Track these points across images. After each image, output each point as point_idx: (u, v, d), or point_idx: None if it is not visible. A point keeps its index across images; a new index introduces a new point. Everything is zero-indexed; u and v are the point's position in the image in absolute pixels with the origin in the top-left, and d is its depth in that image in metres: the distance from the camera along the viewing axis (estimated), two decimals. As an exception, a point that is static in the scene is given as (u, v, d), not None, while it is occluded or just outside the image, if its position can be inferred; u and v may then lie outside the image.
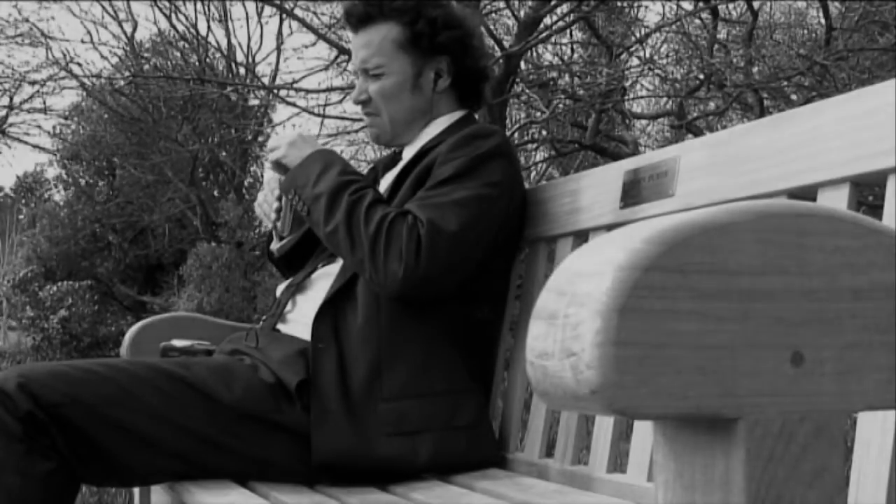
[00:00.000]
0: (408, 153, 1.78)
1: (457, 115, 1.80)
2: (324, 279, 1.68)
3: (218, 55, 13.81)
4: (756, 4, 8.46)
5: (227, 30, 15.00)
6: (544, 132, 10.98)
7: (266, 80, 12.98)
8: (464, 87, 1.80)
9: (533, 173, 11.99)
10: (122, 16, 14.75)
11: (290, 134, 1.75)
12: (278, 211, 1.79)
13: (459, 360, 1.63)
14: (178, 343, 1.76)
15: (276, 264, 1.92)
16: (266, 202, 1.83)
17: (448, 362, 1.60)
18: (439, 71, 1.76)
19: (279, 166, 1.73)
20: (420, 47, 1.73)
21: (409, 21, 1.73)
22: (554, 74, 10.15)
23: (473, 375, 1.66)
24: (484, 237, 1.61)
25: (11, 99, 15.51)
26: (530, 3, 8.73)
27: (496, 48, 8.25)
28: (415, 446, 1.52)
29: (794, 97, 8.92)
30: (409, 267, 1.51)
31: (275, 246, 1.86)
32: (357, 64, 1.78)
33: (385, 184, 1.77)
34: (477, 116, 1.87)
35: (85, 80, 12.73)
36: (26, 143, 16.79)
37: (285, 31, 14.31)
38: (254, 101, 13.65)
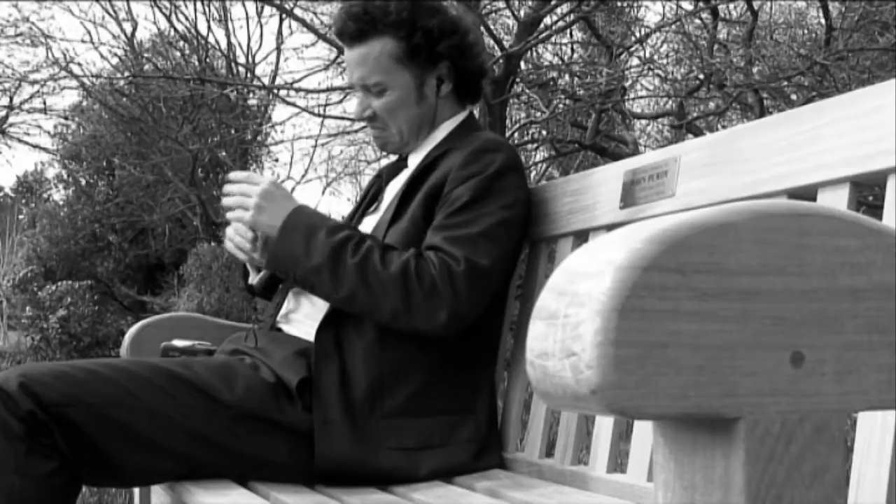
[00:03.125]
0: (413, 160, 1.77)
1: (459, 117, 1.79)
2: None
3: (218, 55, 13.81)
4: (756, 4, 8.46)
5: (227, 30, 14.97)
6: (544, 132, 10.97)
7: (266, 80, 12.98)
8: (464, 87, 1.79)
9: (533, 173, 11.99)
10: (122, 16, 14.75)
11: (255, 195, 1.61)
12: (254, 241, 1.68)
13: (463, 375, 1.62)
14: (178, 343, 1.76)
15: (257, 295, 1.87)
16: (239, 235, 1.69)
17: (451, 380, 1.60)
18: (441, 77, 1.74)
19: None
20: (419, 59, 1.71)
21: (406, 35, 1.69)
22: (554, 74, 10.14)
23: (478, 388, 1.65)
24: (511, 261, 1.64)
25: (11, 99, 15.51)
26: (530, 3, 8.73)
27: (496, 48, 8.25)
28: (416, 460, 1.52)
29: (794, 97, 8.92)
30: (453, 310, 1.51)
31: (253, 279, 1.80)
32: (355, 80, 1.74)
33: (391, 192, 1.76)
34: (476, 115, 1.87)
35: (85, 80, 12.73)
36: (26, 143, 16.80)
37: (285, 31, 14.31)
38: (253, 101, 13.65)
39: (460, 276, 1.51)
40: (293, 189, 14.76)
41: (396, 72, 1.71)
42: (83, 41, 19.04)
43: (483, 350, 1.67)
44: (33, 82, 13.42)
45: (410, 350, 1.57)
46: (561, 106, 9.05)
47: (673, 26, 9.00)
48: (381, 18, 1.69)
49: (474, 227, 1.56)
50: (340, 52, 9.17)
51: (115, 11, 14.49)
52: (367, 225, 1.73)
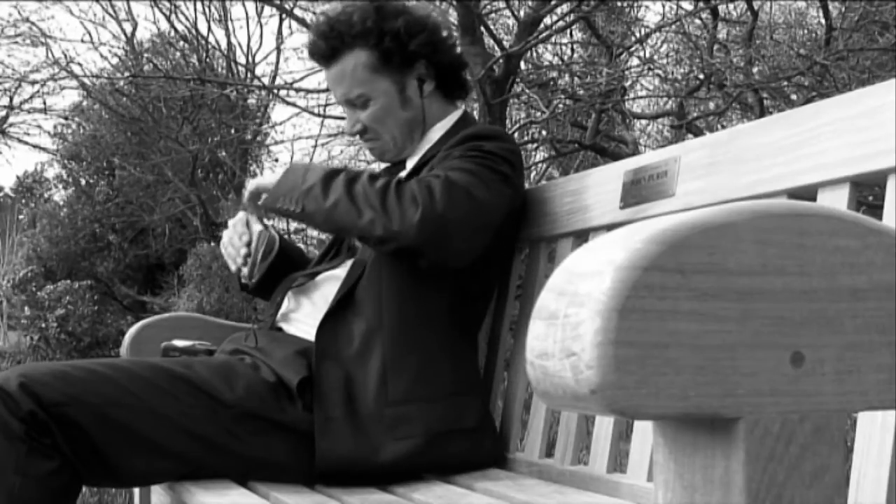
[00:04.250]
0: (410, 163, 1.77)
1: (454, 116, 1.79)
2: (330, 283, 1.67)
3: (218, 55, 13.81)
4: (756, 4, 8.46)
5: (227, 30, 14.99)
6: (544, 132, 10.97)
7: (266, 80, 12.97)
8: (448, 83, 1.79)
9: (533, 173, 11.98)
10: (122, 16, 14.76)
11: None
12: (246, 256, 1.75)
13: (462, 361, 1.63)
14: (179, 343, 1.76)
15: (252, 293, 1.90)
16: (232, 245, 1.78)
17: (452, 365, 1.60)
18: (421, 76, 1.74)
19: (255, 197, 1.69)
20: (394, 63, 1.71)
21: (375, 42, 1.70)
22: (554, 74, 10.14)
23: (476, 370, 1.67)
24: (495, 211, 1.58)
25: (11, 99, 15.52)
26: (530, 3, 8.73)
27: (496, 48, 8.25)
28: (419, 450, 1.52)
29: (794, 97, 8.92)
30: (426, 210, 1.47)
31: (246, 280, 1.81)
32: (339, 98, 1.76)
33: None
34: (477, 115, 1.87)
35: (85, 80, 12.73)
36: (26, 143, 16.80)
37: (285, 31, 14.31)
38: (253, 101, 13.65)
39: (437, 186, 1.50)
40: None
41: (375, 80, 1.72)
42: (83, 41, 19.06)
43: (472, 334, 1.69)
44: (33, 82, 13.44)
45: (410, 330, 1.57)
46: (561, 106, 9.05)
47: (673, 26, 9.00)
48: (348, 31, 1.70)
49: (459, 165, 1.57)
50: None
51: (115, 11, 14.50)
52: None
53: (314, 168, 1.62)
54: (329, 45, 1.72)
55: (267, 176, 1.69)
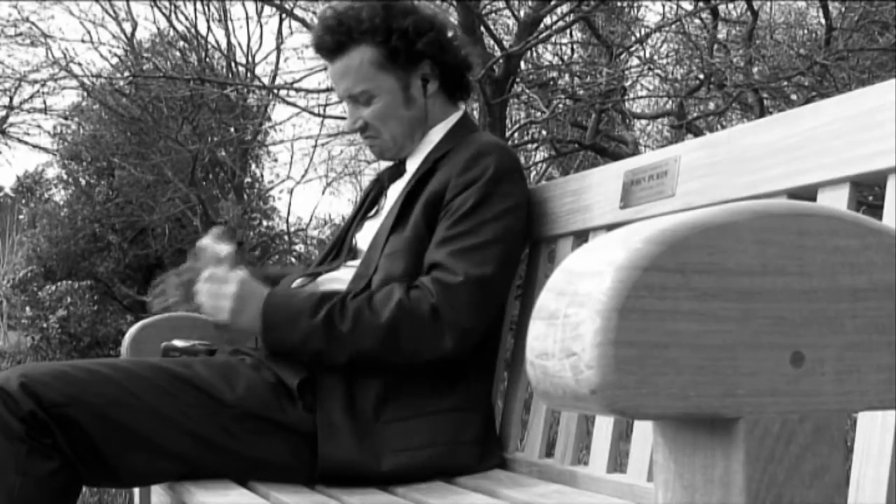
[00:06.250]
0: (411, 164, 1.76)
1: (453, 117, 1.79)
2: (331, 284, 1.66)
3: (218, 55, 13.81)
4: (756, 4, 8.46)
5: (227, 30, 14.96)
6: (544, 132, 10.97)
7: (266, 80, 12.97)
8: (451, 84, 1.78)
9: (533, 173, 11.98)
10: (122, 16, 14.74)
11: (225, 291, 1.58)
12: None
13: (467, 374, 1.62)
14: (179, 343, 1.75)
15: None
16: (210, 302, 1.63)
17: (456, 379, 1.60)
18: (425, 76, 1.73)
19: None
20: (399, 61, 1.70)
21: (383, 39, 1.69)
22: (554, 74, 10.14)
23: (481, 387, 1.65)
24: (514, 265, 1.64)
25: (11, 99, 15.50)
26: (530, 3, 8.73)
27: (496, 48, 8.25)
28: (421, 461, 1.52)
29: (794, 97, 8.92)
30: (458, 331, 1.52)
31: None
32: (341, 93, 1.75)
33: (392, 196, 1.75)
34: (476, 115, 1.87)
35: (85, 80, 12.72)
36: (26, 143, 16.79)
37: (285, 31, 14.32)
38: (253, 101, 13.65)
39: (460, 291, 1.51)
40: (293, 189, 14.75)
41: (380, 77, 1.71)
42: (83, 41, 19.03)
43: (486, 351, 1.67)
44: (33, 82, 13.42)
45: None
46: (561, 106, 9.05)
47: (673, 26, 9.00)
48: (356, 27, 1.69)
49: (476, 238, 1.56)
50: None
51: (115, 11, 14.48)
52: (368, 230, 1.73)
53: (296, 321, 1.53)
54: (335, 39, 1.71)
55: (239, 311, 1.57)
